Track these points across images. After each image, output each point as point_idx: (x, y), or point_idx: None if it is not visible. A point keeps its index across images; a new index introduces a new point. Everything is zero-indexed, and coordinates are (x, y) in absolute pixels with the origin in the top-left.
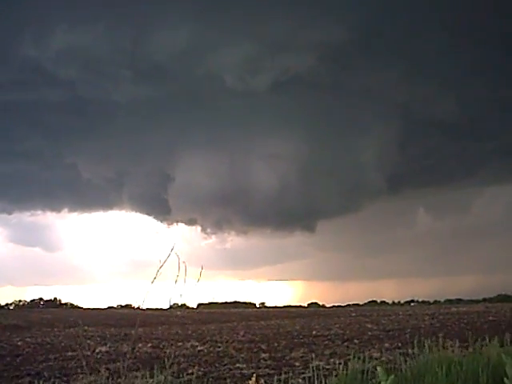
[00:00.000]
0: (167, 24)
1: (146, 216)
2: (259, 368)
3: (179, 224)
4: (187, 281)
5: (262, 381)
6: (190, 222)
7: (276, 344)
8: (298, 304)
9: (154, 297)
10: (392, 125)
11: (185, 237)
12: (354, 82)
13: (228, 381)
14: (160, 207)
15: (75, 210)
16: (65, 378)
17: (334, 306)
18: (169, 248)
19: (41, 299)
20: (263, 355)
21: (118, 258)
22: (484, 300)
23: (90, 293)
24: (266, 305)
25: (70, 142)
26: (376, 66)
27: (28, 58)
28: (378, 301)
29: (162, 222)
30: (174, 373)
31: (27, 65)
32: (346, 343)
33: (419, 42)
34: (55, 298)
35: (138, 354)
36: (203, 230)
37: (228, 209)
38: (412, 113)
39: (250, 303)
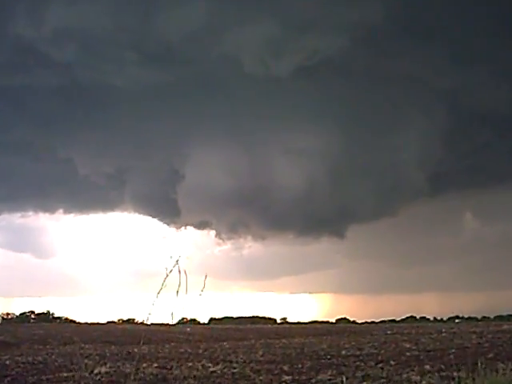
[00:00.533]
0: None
1: (151, 218)
2: None
3: (190, 228)
4: (195, 293)
5: None
6: (202, 225)
7: (300, 365)
8: (324, 320)
9: (159, 311)
10: (436, 117)
11: (196, 242)
12: (392, 67)
13: None
14: (168, 208)
15: (71, 211)
16: None
17: (366, 323)
18: (177, 255)
19: (32, 312)
20: (285, 378)
21: (120, 266)
22: None
23: (88, 306)
24: (288, 320)
25: (65, 132)
26: (418, 49)
27: (19, 37)
28: (418, 317)
29: (169, 225)
30: None
31: (18, 45)
32: (380, 365)
33: (468, 23)
34: (48, 311)
35: (142, 375)
36: (217, 234)
37: (246, 211)
38: (459, 104)
39: (270, 318)
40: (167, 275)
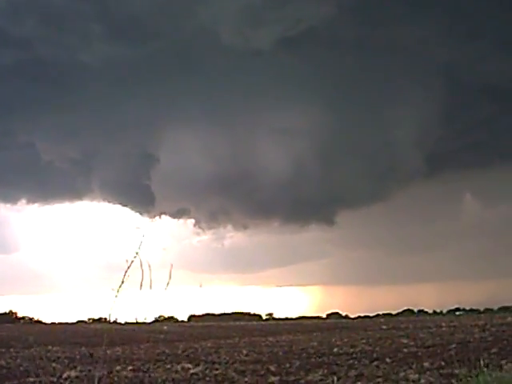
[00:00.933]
0: None
1: (122, 207)
2: None
3: (165, 217)
4: (170, 288)
5: None
6: (179, 214)
7: (288, 365)
8: (314, 315)
9: (133, 309)
10: (433, 92)
11: (173, 233)
12: (384, 37)
13: None
14: (141, 196)
15: (35, 201)
16: None
17: (359, 317)
18: (152, 247)
19: None
20: (272, 379)
21: (89, 260)
22: None
23: (55, 304)
24: (275, 316)
25: (26, 115)
26: (411, 17)
27: None
28: (415, 310)
29: (142, 214)
30: None
31: None
32: (375, 363)
33: None
34: (10, 311)
35: (115, 379)
36: (196, 223)
37: (227, 197)
38: (457, 77)
39: (255, 314)
40: (127, 269)
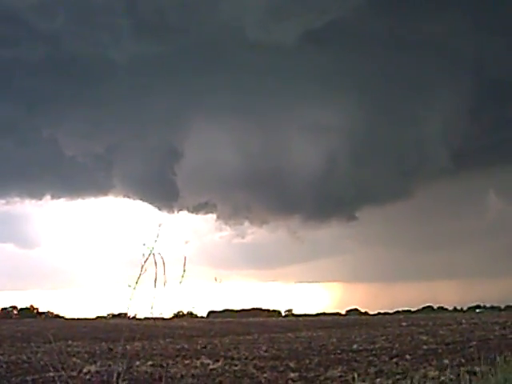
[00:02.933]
0: None
1: (143, 203)
2: None
3: (187, 212)
4: (192, 284)
5: None
6: (202, 209)
7: (307, 361)
8: (334, 311)
9: (153, 304)
10: (461, 88)
11: (195, 228)
12: (412, 31)
13: None
14: (164, 191)
15: (59, 197)
16: None
17: (379, 314)
18: (174, 241)
19: (14, 307)
20: (291, 375)
21: (110, 256)
22: None
23: (75, 299)
24: (294, 312)
25: (51, 110)
26: (440, 11)
27: (0, 4)
28: (435, 307)
29: (166, 209)
30: None
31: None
32: (394, 359)
33: None
34: (31, 306)
35: (135, 374)
36: (218, 219)
37: (251, 193)
38: (486, 72)
39: (274, 311)
40: (144, 263)
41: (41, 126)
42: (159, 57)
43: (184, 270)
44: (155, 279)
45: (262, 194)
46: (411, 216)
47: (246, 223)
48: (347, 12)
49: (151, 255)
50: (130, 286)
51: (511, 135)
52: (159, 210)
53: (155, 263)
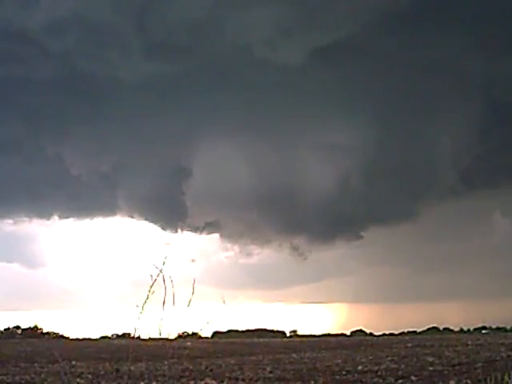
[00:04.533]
0: None
1: (148, 223)
2: None
3: (193, 232)
4: (197, 304)
5: None
6: (208, 228)
7: (312, 382)
8: (339, 332)
9: (157, 325)
10: (471, 109)
11: (200, 248)
12: (423, 51)
13: None
14: (172, 210)
15: (67, 216)
16: None
17: (384, 335)
18: (180, 261)
19: (18, 327)
20: None
21: (115, 276)
22: None
23: (80, 319)
24: (299, 333)
25: (58, 128)
26: (449, 32)
27: (11, 23)
28: (441, 328)
29: (170, 229)
30: None
31: (9, 32)
32: (400, 381)
33: (501, 5)
34: (36, 326)
35: None
36: (224, 239)
37: (259, 213)
38: (495, 94)
39: (279, 331)
40: (152, 284)
41: (47, 144)
42: (168, 76)
43: (193, 293)
44: (164, 300)
45: (270, 213)
46: (417, 236)
47: (252, 243)
48: (357, 29)
49: (159, 276)
50: (137, 306)
51: None
52: (163, 229)
53: (164, 284)
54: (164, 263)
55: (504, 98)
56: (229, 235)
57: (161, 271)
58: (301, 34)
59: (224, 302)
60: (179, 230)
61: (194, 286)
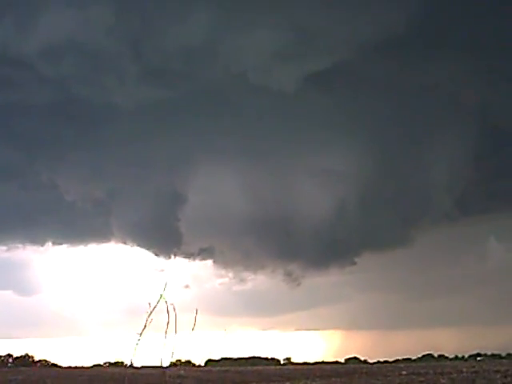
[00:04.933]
0: (177, 11)
1: (143, 249)
2: None
3: (187, 258)
4: (189, 332)
5: None
6: (202, 255)
7: None
8: (333, 360)
9: (149, 352)
10: (466, 135)
11: (194, 274)
12: (419, 76)
13: None
14: (166, 237)
15: (61, 243)
16: None
17: (378, 362)
18: (174, 288)
19: (9, 355)
20: None
21: (109, 303)
22: None
23: (72, 347)
24: (293, 361)
25: (53, 154)
26: (444, 57)
27: (7, 48)
28: (435, 355)
29: (167, 255)
30: None
31: (5, 57)
32: None
33: (495, 31)
34: (27, 355)
35: None
36: (218, 265)
37: (254, 239)
38: (491, 119)
39: (273, 359)
40: (151, 312)
41: (41, 170)
42: (164, 102)
43: (194, 324)
44: (166, 328)
45: (264, 239)
46: (411, 263)
47: (246, 269)
48: (352, 55)
49: (157, 304)
50: (137, 333)
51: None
52: (156, 256)
53: (167, 311)
54: (164, 290)
55: (499, 123)
56: (223, 261)
57: (161, 297)
58: (296, 60)
59: (226, 331)
60: (174, 256)
61: (186, 312)
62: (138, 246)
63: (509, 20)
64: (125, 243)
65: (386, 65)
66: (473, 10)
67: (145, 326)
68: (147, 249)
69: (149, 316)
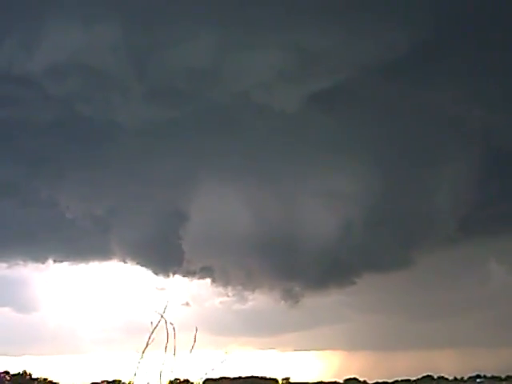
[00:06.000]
0: (182, 32)
1: (143, 268)
2: None
3: (187, 277)
4: (189, 351)
5: None
6: (203, 274)
7: None
8: (332, 380)
9: (148, 371)
10: (470, 157)
11: (196, 294)
12: (422, 100)
13: None
14: (168, 255)
15: (62, 261)
16: None
17: (378, 383)
18: (161, 309)
19: (6, 373)
20: None
21: (109, 321)
22: None
23: (70, 365)
24: (292, 381)
25: (54, 172)
26: (450, 81)
27: (12, 66)
28: (435, 376)
29: (166, 274)
30: None
31: (10, 75)
32: None
33: (498, 54)
34: (24, 372)
35: None
36: (218, 284)
37: (255, 259)
38: (495, 143)
39: (271, 379)
40: (152, 331)
41: (43, 187)
42: (167, 121)
43: (194, 342)
44: (166, 347)
45: (265, 259)
46: (412, 284)
47: (246, 289)
48: (355, 75)
49: (160, 322)
50: (138, 352)
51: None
52: (156, 274)
53: (166, 330)
54: (165, 310)
55: (502, 145)
56: (224, 280)
57: (162, 317)
58: (299, 80)
59: (227, 352)
60: (172, 275)
61: (186, 332)
62: (138, 264)
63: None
64: (124, 262)
65: (390, 86)
66: (475, 32)
67: (147, 344)
68: (146, 267)
69: (150, 335)
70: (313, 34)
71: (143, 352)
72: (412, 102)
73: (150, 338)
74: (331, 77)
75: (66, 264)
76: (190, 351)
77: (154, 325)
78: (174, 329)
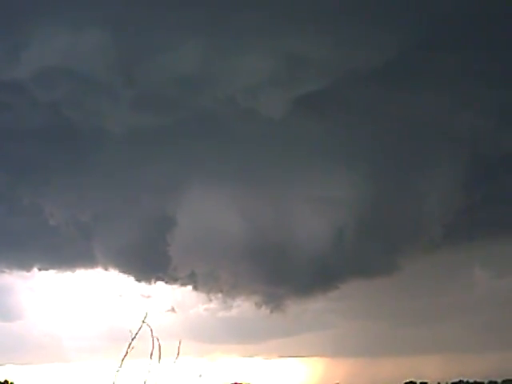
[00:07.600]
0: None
1: (126, 276)
2: None
3: (171, 283)
4: (173, 359)
5: None
6: (189, 280)
7: None
8: None
9: (131, 379)
10: (457, 164)
11: (179, 300)
12: (409, 105)
13: None
14: (149, 262)
15: (48, 268)
16: None
17: None
18: (158, 313)
19: None
20: None
21: (94, 330)
22: None
23: (52, 374)
24: None
25: (39, 179)
26: (437, 87)
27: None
28: (418, 382)
29: (148, 281)
30: None
31: None
32: None
33: (488, 59)
34: (6, 381)
35: None
36: (203, 291)
37: (241, 265)
38: (481, 149)
39: None
40: (132, 340)
41: (27, 194)
42: (155, 127)
43: (178, 353)
44: (151, 354)
45: (251, 265)
46: (397, 290)
47: (231, 295)
48: (342, 80)
49: (140, 329)
50: (119, 361)
51: (498, 210)
52: (138, 281)
53: (152, 337)
54: (145, 317)
55: (489, 153)
56: (208, 287)
57: (143, 323)
58: (287, 84)
59: (201, 375)
60: (155, 282)
61: (170, 339)
62: (120, 271)
63: (501, 49)
64: (106, 269)
65: (378, 91)
66: (464, 36)
67: (126, 353)
68: (128, 274)
69: (130, 343)
70: (301, 39)
71: (122, 360)
72: (399, 107)
73: (129, 346)
74: (318, 81)
75: (51, 272)
76: (174, 362)
77: (134, 333)
78: (157, 339)
